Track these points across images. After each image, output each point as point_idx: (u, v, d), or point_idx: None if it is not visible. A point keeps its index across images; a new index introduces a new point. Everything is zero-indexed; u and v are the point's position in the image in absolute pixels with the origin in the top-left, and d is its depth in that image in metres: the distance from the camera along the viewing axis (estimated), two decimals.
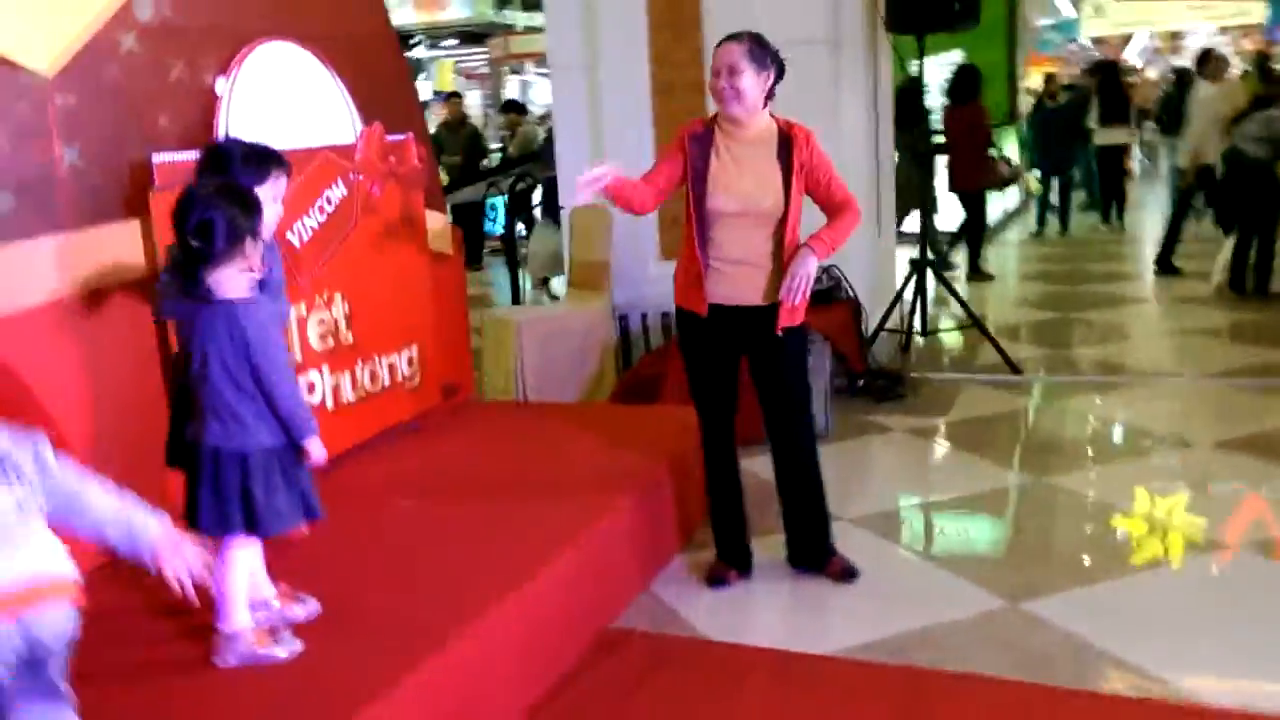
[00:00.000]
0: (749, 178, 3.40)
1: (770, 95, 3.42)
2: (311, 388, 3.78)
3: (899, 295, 6.25)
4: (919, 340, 6.61)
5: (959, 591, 3.53)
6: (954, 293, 6.42)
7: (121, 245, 3.16)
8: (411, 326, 4.29)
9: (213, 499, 2.43)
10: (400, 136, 4.20)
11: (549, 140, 8.14)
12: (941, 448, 5.04)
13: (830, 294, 5.62)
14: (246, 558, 2.54)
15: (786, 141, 3.41)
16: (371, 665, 2.48)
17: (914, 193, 9.59)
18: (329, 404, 3.87)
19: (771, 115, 3.47)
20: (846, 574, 3.61)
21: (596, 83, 6.08)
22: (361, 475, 3.78)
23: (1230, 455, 4.67)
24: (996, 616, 3.35)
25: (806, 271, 3.38)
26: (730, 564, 3.66)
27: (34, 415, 2.84)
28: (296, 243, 3.72)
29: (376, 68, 4.27)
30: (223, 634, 2.50)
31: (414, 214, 4.31)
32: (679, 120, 5.94)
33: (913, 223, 10.37)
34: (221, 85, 3.51)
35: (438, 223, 4.55)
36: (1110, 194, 12.41)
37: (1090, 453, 4.85)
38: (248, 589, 2.58)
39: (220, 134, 3.47)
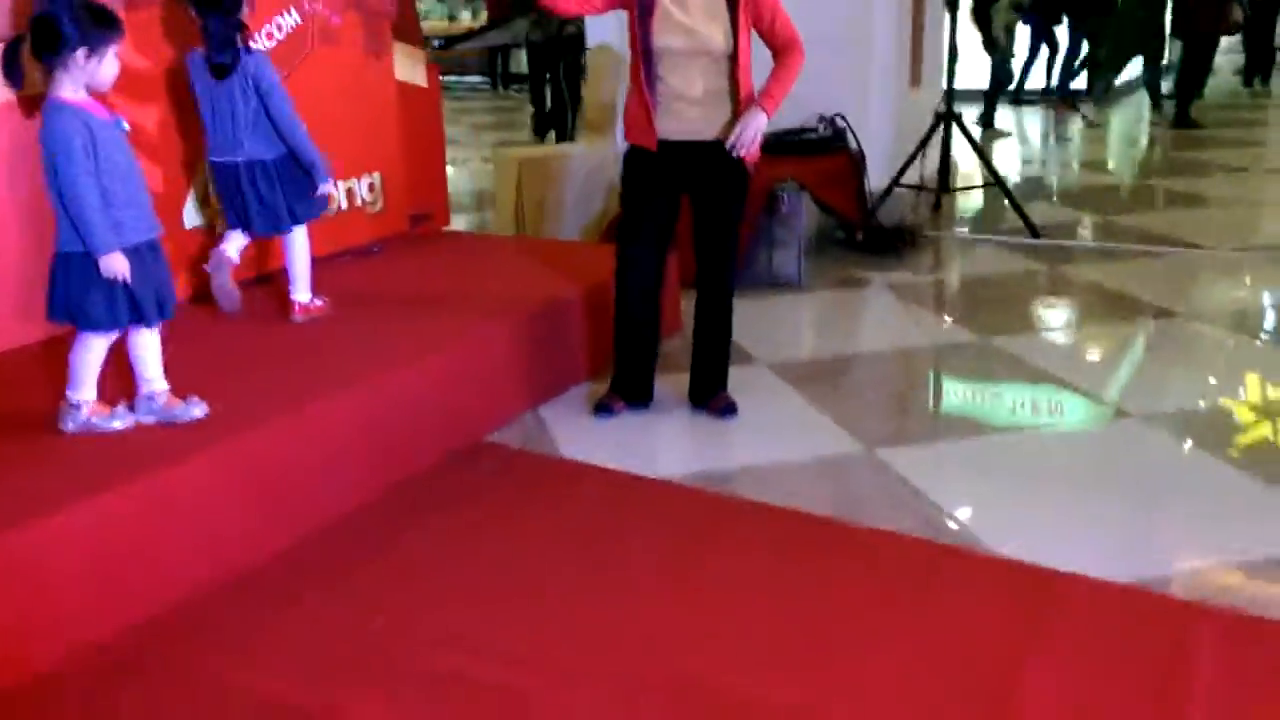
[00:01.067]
0: (696, 14, 3.36)
1: None
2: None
3: (919, 150, 6.08)
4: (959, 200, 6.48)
5: (825, 435, 3.63)
6: (978, 150, 6.21)
7: None
8: (372, 154, 4.53)
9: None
10: None
11: None
12: (906, 303, 5.02)
13: (827, 144, 5.57)
14: (99, 343, 2.88)
15: None
16: (185, 440, 2.82)
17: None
18: None
19: None
20: (726, 410, 3.75)
21: None
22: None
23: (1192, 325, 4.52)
24: (844, 459, 3.45)
25: (756, 126, 3.38)
26: (621, 395, 3.81)
27: None
28: None
29: None
30: (69, 402, 2.88)
31: (379, 45, 4.50)
32: None
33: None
34: None
35: (409, 55, 4.73)
36: (1256, 54, 11.47)
37: (1055, 319, 4.75)
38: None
39: None
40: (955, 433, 3.65)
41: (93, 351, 2.86)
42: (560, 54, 9.23)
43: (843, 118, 5.66)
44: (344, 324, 3.75)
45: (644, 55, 3.41)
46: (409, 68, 4.73)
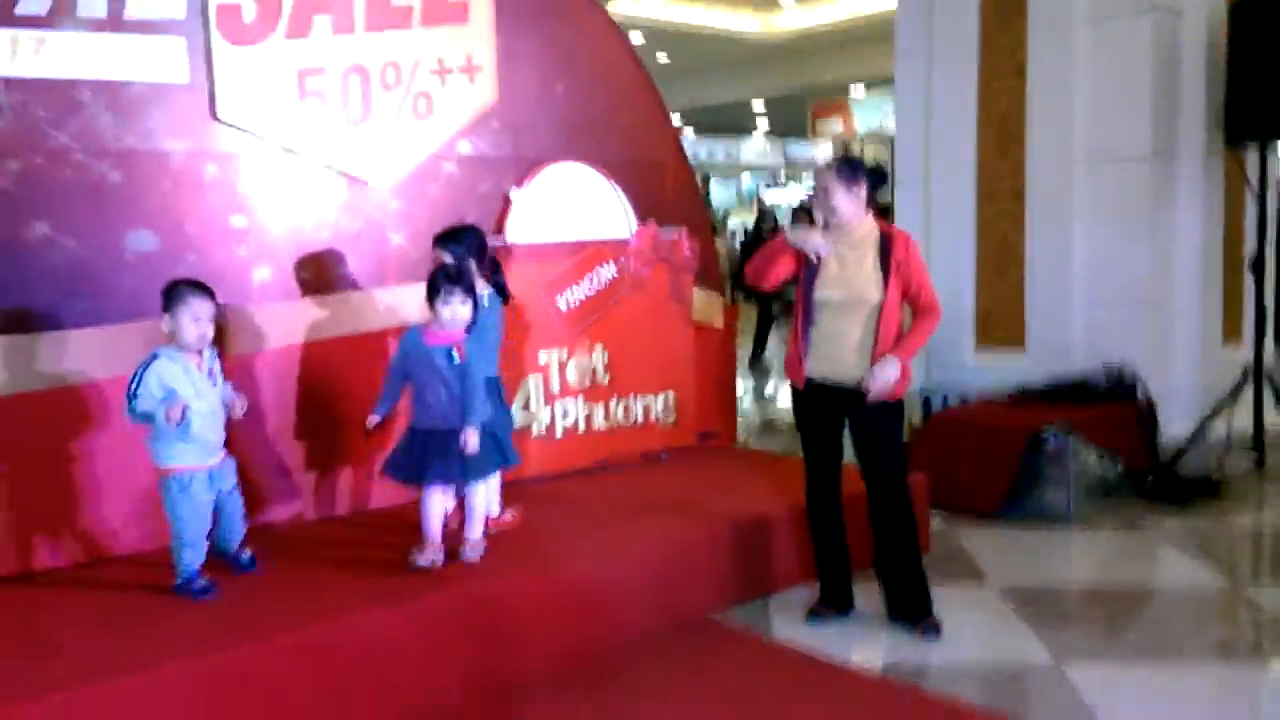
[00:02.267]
0: (852, 273, 3.98)
1: (870, 201, 4.02)
2: (566, 414, 5.09)
3: (1218, 407, 6.02)
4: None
5: (1022, 648, 3.84)
6: None
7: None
8: (668, 378, 5.43)
9: None
10: (673, 234, 5.41)
11: None
12: (1174, 548, 4.98)
13: (1111, 393, 5.75)
14: (436, 497, 3.79)
15: (887, 243, 3.99)
16: (412, 590, 3.62)
17: None
18: (580, 428, 5.15)
19: (876, 218, 4.04)
20: (928, 631, 4.01)
21: (930, 193, 6.79)
22: (586, 482, 4.98)
23: None
24: (1029, 670, 3.65)
25: (888, 373, 3.87)
26: (830, 604, 4.20)
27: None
28: (564, 306, 5.08)
29: (660, 183, 5.54)
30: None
31: (681, 291, 5.47)
32: (996, 223, 6.51)
33: None
34: (515, 193, 4.98)
35: (707, 299, 5.66)
36: None
37: None
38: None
39: (508, 229, 4.93)
40: (1163, 663, 3.70)
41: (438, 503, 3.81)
42: None
43: (1128, 367, 5.84)
44: (605, 508, 4.55)
45: (805, 305, 4.02)
46: (707, 309, 5.65)
